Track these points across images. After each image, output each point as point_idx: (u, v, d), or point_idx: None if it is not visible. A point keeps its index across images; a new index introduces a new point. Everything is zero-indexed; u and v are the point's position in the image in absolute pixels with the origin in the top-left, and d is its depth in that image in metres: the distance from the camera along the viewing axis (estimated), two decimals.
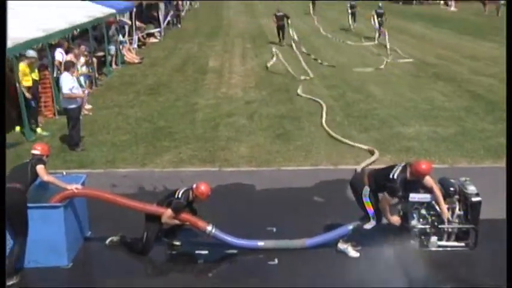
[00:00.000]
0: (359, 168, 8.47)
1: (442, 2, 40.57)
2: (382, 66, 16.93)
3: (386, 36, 20.07)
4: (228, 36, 24.22)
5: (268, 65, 16.86)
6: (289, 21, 21.11)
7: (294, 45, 19.82)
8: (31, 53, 10.41)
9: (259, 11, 33.89)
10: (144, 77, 15.65)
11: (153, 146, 9.72)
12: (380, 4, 23.71)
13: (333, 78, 15.28)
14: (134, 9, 20.28)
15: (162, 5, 23.82)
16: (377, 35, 22.14)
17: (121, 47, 17.57)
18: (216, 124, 10.99)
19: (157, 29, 23.19)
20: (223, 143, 9.80)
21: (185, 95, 13.49)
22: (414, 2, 40.84)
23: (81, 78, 11.42)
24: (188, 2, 35.39)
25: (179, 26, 27.45)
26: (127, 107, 12.36)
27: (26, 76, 10.08)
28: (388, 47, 19.41)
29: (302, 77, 15.23)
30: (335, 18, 30.42)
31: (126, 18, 19.98)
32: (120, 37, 17.80)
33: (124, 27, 19.24)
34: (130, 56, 17.90)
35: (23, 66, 10.03)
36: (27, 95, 9.99)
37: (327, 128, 10.49)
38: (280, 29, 21.47)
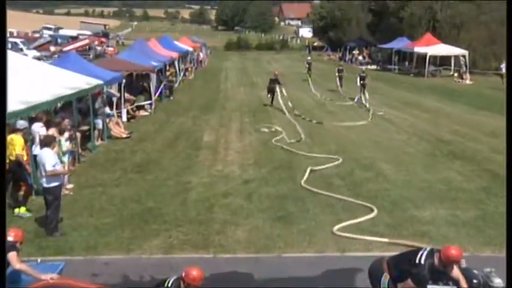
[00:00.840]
0: (335, 229, 9.30)
1: (455, 74, 41.50)
2: (365, 122, 21.21)
3: (367, 96, 26.72)
4: (224, 110, 24.78)
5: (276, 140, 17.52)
6: (281, 89, 25.28)
7: (285, 111, 22.80)
8: (23, 123, 10.56)
9: (259, 83, 34.85)
10: (132, 153, 15.87)
11: (141, 229, 9.71)
12: (363, 69, 31.98)
13: (339, 154, 15.49)
14: (123, 80, 20.81)
15: (153, 76, 24.49)
16: (359, 95, 27.41)
17: (108, 120, 17.91)
18: (210, 205, 11.03)
19: (148, 102, 23.73)
20: (218, 227, 9.80)
21: (177, 173, 13.63)
22: (426, 74, 41.92)
23: (66, 155, 11.57)
24: (182, 73, 36.48)
25: (172, 98, 28.15)
26: (112, 186, 12.45)
27: (23, 149, 10.19)
28: (367, 105, 25.27)
29: (293, 140, 17.33)
30: (328, 85, 34.15)
31: (114, 90, 20.51)
32: (107, 110, 18.19)
33: (112, 100, 19.71)
34: (118, 130, 18.20)
35: (19, 139, 10.15)
36: (28, 168, 10.08)
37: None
38: (270, 91, 25.66)
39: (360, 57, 57.14)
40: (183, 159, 15.13)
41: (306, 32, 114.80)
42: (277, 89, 25.07)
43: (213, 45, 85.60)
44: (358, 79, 27.71)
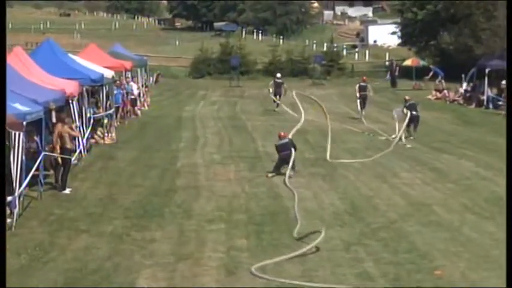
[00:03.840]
0: None
1: None
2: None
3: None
4: (188, 218, 24.92)
5: None
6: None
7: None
8: None
9: (274, 156, 35.28)
10: None
11: None
12: (407, 98, 45.37)
13: None
14: None
15: (17, 138, 24.50)
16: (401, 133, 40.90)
17: None
18: None
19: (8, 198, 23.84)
20: None
21: None
22: None
23: None
24: (89, 128, 36.75)
25: (67, 191, 28.23)
26: None
27: None
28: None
29: None
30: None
31: None
32: None
33: None
34: None
35: None
36: None
37: None
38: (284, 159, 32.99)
39: None
40: None
41: (384, 35, 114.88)
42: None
43: (163, 64, 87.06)
44: (401, 109, 40.32)
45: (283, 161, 32.64)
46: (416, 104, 39.77)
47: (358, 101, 50.15)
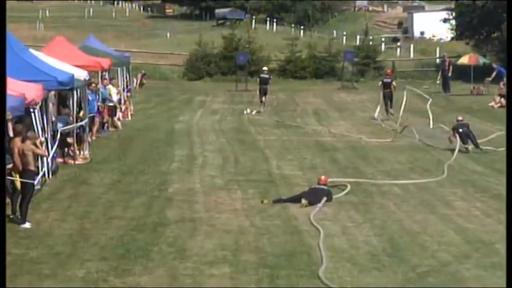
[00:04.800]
0: None
1: None
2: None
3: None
4: (180, 258, 24.83)
5: None
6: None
7: None
8: None
9: (294, 179, 35.23)
10: None
11: None
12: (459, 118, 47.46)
13: None
14: None
15: None
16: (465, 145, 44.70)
17: None
18: None
19: None
20: None
21: None
22: None
23: None
24: (55, 147, 36.84)
25: (27, 224, 28.26)
26: None
27: None
28: None
29: None
30: None
31: None
32: None
33: None
34: None
35: None
36: None
37: None
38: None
39: None
40: None
41: (434, 25, 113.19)
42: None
43: (150, 61, 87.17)
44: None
45: (302, 200, 32.53)
46: (467, 124, 43.28)
47: (382, 99, 54.79)
